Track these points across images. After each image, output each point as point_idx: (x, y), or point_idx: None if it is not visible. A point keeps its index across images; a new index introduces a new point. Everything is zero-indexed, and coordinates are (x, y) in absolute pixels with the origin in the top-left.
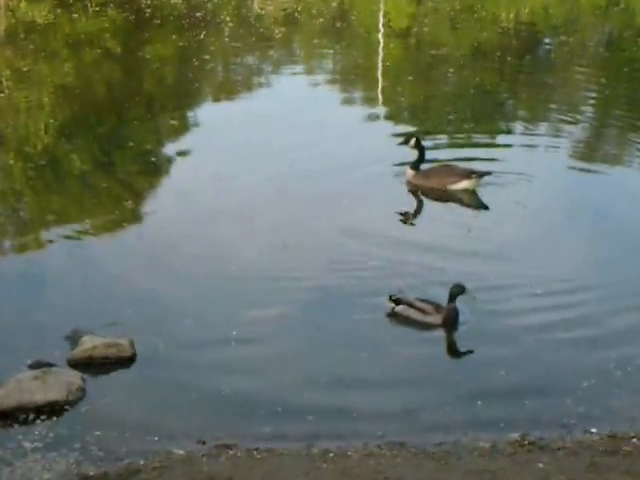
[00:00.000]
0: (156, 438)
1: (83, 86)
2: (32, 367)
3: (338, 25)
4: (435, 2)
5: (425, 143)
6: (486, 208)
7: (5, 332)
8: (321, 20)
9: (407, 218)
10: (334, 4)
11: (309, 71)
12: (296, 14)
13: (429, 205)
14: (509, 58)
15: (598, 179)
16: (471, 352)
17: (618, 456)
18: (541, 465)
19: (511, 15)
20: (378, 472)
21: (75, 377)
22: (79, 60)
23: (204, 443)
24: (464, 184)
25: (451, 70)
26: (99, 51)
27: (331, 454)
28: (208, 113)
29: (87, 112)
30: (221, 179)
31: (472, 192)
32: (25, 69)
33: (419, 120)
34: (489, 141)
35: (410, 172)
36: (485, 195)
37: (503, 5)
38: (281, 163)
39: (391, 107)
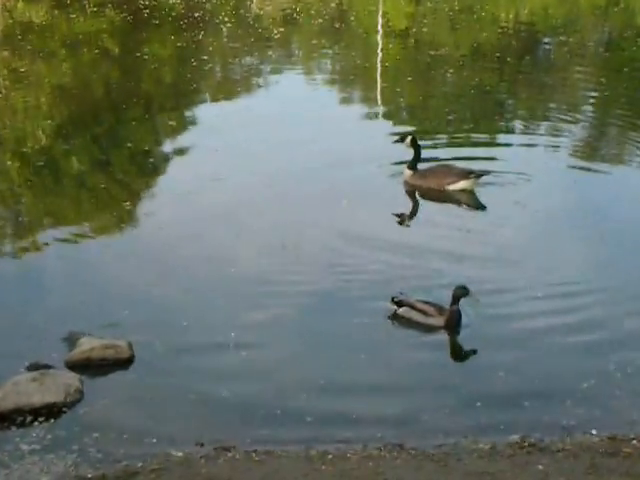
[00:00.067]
0: (154, 440)
1: (81, 86)
2: (30, 369)
3: (337, 25)
4: (434, 2)
5: (424, 143)
6: (484, 209)
7: (2, 334)
8: (320, 20)
9: (405, 220)
10: (333, 4)
11: (308, 71)
12: (295, 14)
13: (427, 206)
14: (508, 58)
15: (598, 179)
16: (472, 354)
17: (618, 458)
18: (541, 467)
19: (510, 15)
20: (377, 474)
21: (73, 379)
22: (77, 60)
23: (202, 445)
24: (462, 184)
25: (450, 70)
26: (97, 51)
27: (330, 456)
28: (206, 113)
29: (85, 112)
30: (219, 179)
31: (470, 192)
32: (22, 69)
33: (418, 120)
34: (488, 141)
35: (408, 172)
36: (484, 195)
37: (502, 5)
38: (280, 163)
39: (390, 107)
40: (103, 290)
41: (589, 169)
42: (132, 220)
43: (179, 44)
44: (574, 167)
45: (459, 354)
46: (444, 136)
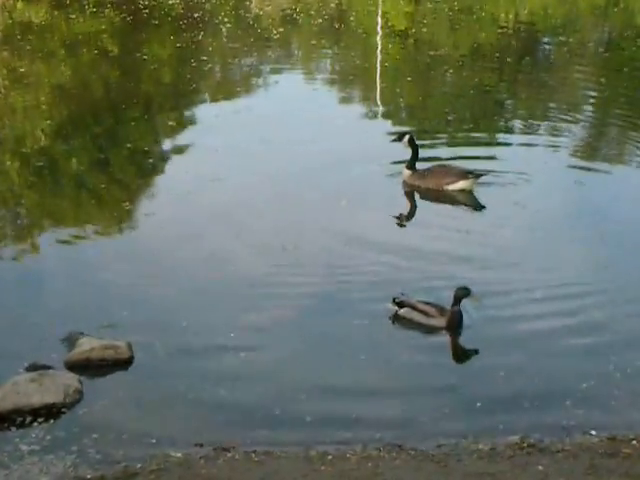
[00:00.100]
0: (153, 441)
1: (80, 87)
2: (29, 369)
3: (336, 26)
4: (434, 2)
5: (424, 143)
6: (484, 209)
7: (2, 334)
8: (319, 21)
9: (405, 220)
10: (332, 5)
11: (307, 72)
12: (294, 15)
13: (427, 206)
14: (508, 58)
15: (598, 179)
16: (472, 355)
17: (618, 458)
18: (540, 467)
19: (510, 15)
20: (377, 475)
21: (72, 379)
22: (76, 61)
23: (202, 446)
24: (461, 184)
25: (450, 70)
26: (96, 52)
27: (329, 456)
28: (206, 113)
29: (84, 113)
30: (219, 180)
31: (469, 193)
32: (22, 70)
33: (418, 120)
34: (488, 141)
35: (406, 172)
36: (484, 196)
37: (502, 5)
38: (279, 163)
39: (390, 107)
40: (102, 290)
41: (589, 169)
42: (132, 220)
43: (178, 44)
44: (574, 167)
45: (460, 355)
46: (444, 136)
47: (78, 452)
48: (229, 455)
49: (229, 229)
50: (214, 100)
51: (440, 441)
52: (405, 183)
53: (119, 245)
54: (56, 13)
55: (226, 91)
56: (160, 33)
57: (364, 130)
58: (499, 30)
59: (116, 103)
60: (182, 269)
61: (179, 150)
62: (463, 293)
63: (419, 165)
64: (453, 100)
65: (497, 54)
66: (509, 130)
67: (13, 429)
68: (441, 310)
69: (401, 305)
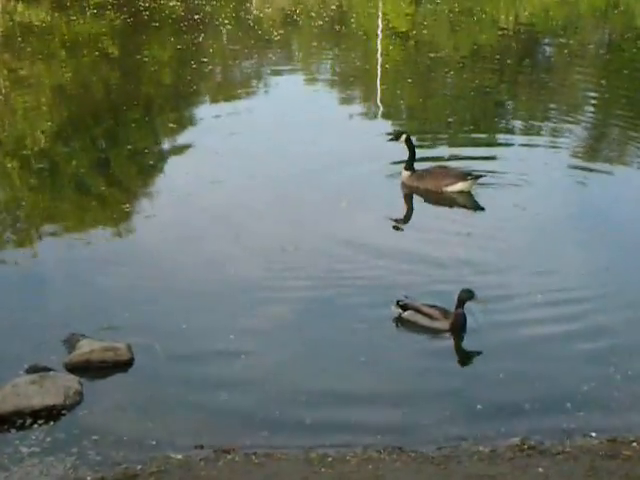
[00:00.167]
0: (154, 443)
1: (81, 88)
2: (29, 371)
3: (337, 27)
4: (434, 4)
5: (425, 144)
6: (483, 211)
7: (2, 336)
8: (320, 22)
9: (403, 223)
10: (333, 6)
11: (308, 73)
12: (295, 16)
13: (426, 209)
14: (509, 60)
15: (599, 180)
16: (474, 357)
17: (618, 460)
18: (541, 469)
19: (510, 17)
20: (377, 477)
21: (72, 381)
22: (77, 62)
23: (202, 448)
24: (460, 186)
25: (450, 72)
26: (97, 53)
27: (330, 459)
28: (206, 115)
29: (85, 114)
30: (219, 181)
31: (469, 194)
32: (22, 71)
33: (418, 121)
34: (488, 142)
35: (405, 173)
36: (484, 198)
37: (502, 7)
38: (280, 165)
39: (390, 109)
40: (102, 292)
41: (590, 170)
42: (132, 222)
43: (179, 46)
44: (575, 168)
45: (462, 357)
46: (444, 137)
47: (78, 454)
48: (229, 457)
49: (229, 231)
50: (214, 102)
51: (440, 443)
52: (404, 185)
53: (119, 247)
54: (57, 15)
55: (226, 93)
56: (160, 35)
57: (365, 131)
58: (499, 32)
59: (116, 105)
60: (182, 271)
61: (179, 152)
62: (467, 296)
63: (420, 165)
64: (453, 102)
65: (497, 56)
66: (509, 131)
67: (13, 431)
68: (445, 313)
69: (405, 308)
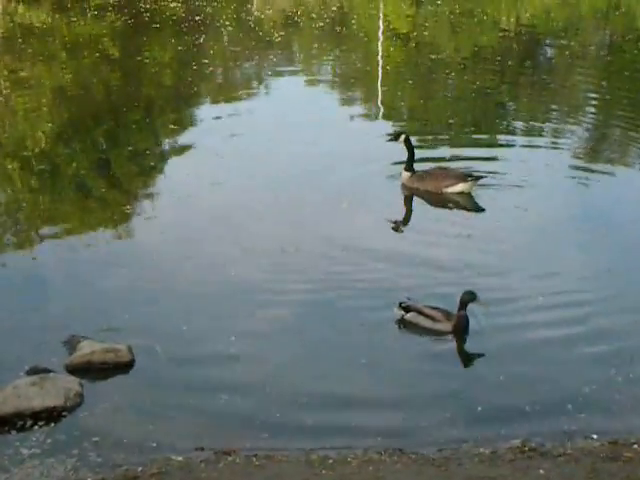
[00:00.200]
0: (154, 444)
1: (81, 90)
2: (30, 373)
3: (338, 29)
4: (435, 6)
5: (426, 145)
6: (484, 212)
7: (3, 338)
8: (321, 24)
9: (404, 225)
10: (334, 8)
11: (309, 75)
12: (296, 18)
13: (426, 210)
14: (510, 61)
15: (600, 181)
16: (475, 359)
17: (619, 462)
18: (542, 471)
19: (512, 18)
20: (378, 478)
21: (73, 383)
22: (77, 64)
23: (203, 449)
24: (460, 187)
25: (451, 73)
26: (98, 55)
27: (330, 460)
28: (207, 116)
29: (85, 116)
30: (220, 183)
31: (469, 196)
32: (23, 73)
33: (419, 122)
34: (489, 143)
35: (405, 175)
36: (485, 199)
37: (503, 9)
38: (280, 166)
39: (391, 110)
40: (103, 294)
41: (591, 171)
42: (132, 224)
43: (180, 47)
44: (576, 169)
45: (464, 359)
46: (445, 138)
47: (79, 455)
48: (230, 459)
49: (229, 232)
50: (215, 103)
51: (441, 445)
52: (404, 186)
53: (120, 248)
54: (57, 16)
55: (227, 94)
56: (161, 36)
57: (365, 132)
58: (500, 33)
59: (117, 106)
60: (183, 272)
61: (180, 153)
62: (469, 297)
63: (421, 166)
64: (454, 103)
65: (498, 57)
66: (510, 132)
67: (14, 432)
68: (447, 315)
69: (407, 310)
